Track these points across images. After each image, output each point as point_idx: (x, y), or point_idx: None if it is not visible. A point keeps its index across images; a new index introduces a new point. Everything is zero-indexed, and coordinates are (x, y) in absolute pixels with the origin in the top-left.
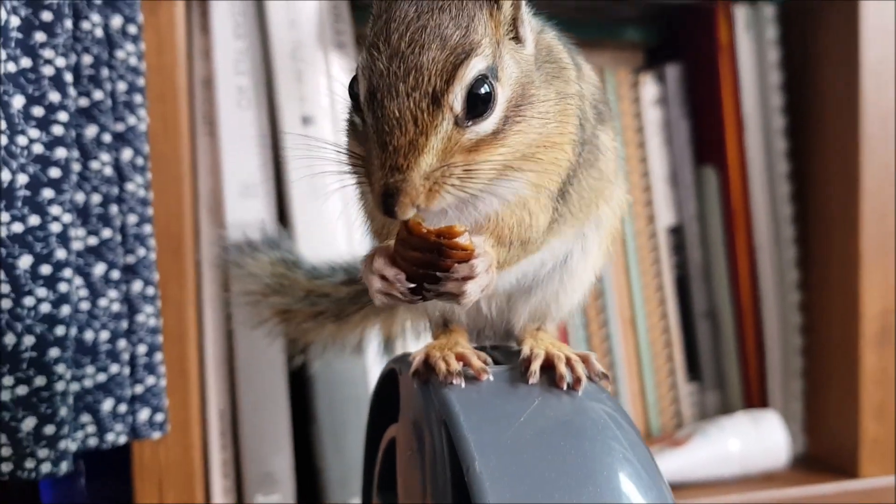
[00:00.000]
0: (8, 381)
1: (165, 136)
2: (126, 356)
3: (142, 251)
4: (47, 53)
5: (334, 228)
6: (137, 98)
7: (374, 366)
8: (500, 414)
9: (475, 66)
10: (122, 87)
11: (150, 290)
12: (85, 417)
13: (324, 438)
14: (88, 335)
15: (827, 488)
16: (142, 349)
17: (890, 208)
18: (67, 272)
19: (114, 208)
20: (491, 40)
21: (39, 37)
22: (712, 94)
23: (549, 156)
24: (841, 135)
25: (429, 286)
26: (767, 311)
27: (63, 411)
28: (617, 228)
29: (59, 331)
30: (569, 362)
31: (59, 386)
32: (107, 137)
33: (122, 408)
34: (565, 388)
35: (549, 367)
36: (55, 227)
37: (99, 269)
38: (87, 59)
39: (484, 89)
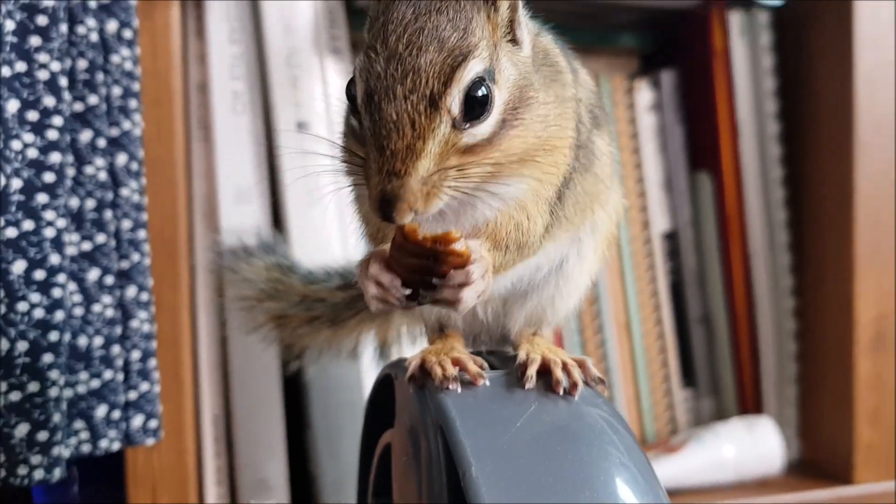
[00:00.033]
0: (1, 386)
1: (160, 140)
2: (120, 362)
3: (136, 256)
4: (42, 58)
5: (329, 233)
6: (132, 103)
7: (369, 371)
8: (496, 419)
9: (472, 69)
10: (117, 91)
11: (145, 296)
12: (78, 423)
13: (318, 444)
14: (82, 341)
15: (822, 494)
16: (136, 355)
17: (884, 214)
18: (61, 277)
19: (108, 213)
20: (488, 42)
21: (34, 41)
22: (707, 99)
23: (548, 159)
24: (835, 140)
25: (424, 293)
26: (762, 317)
27: (56, 417)
28: (613, 233)
29: (53, 336)
30: (565, 367)
31: (53, 392)
32: (101, 142)
33: (116, 414)
34: (562, 392)
35: (545, 371)
36: (49, 232)
37: (93, 274)
38: (82, 64)
39: (481, 92)
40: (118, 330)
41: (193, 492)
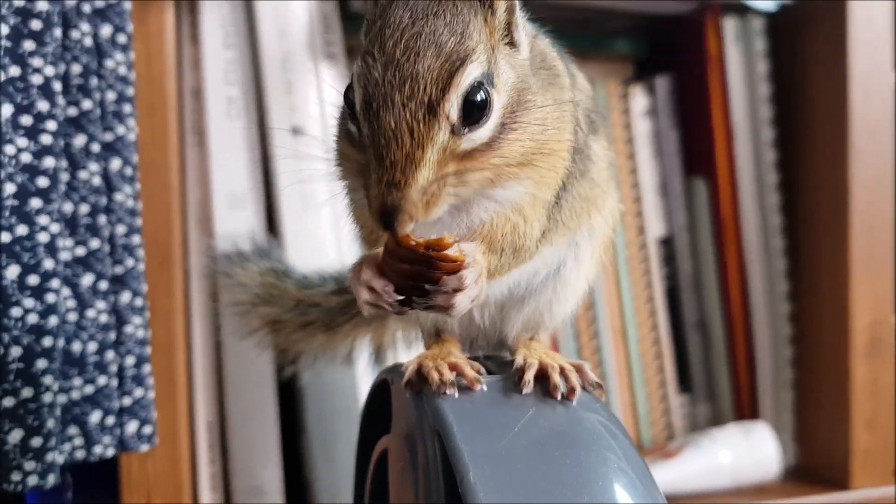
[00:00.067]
0: None
1: (154, 146)
2: (114, 368)
3: (130, 262)
4: (36, 62)
5: (324, 238)
6: (126, 108)
7: (363, 376)
8: (494, 424)
9: (470, 74)
10: (111, 96)
11: (139, 301)
12: (72, 430)
13: (313, 450)
14: (76, 346)
15: (818, 500)
16: (130, 361)
17: (879, 219)
18: (55, 283)
19: (102, 218)
20: (486, 46)
21: (28, 45)
22: (702, 105)
23: (546, 162)
24: (830, 146)
25: (417, 299)
26: (758, 323)
27: (50, 423)
28: (609, 237)
29: (47, 342)
30: (563, 372)
31: (47, 398)
32: (95, 147)
33: (110, 420)
34: (559, 398)
35: (542, 376)
36: (43, 237)
37: (87, 279)
38: (76, 69)
39: (480, 96)
40: (112, 335)
41: (188, 498)
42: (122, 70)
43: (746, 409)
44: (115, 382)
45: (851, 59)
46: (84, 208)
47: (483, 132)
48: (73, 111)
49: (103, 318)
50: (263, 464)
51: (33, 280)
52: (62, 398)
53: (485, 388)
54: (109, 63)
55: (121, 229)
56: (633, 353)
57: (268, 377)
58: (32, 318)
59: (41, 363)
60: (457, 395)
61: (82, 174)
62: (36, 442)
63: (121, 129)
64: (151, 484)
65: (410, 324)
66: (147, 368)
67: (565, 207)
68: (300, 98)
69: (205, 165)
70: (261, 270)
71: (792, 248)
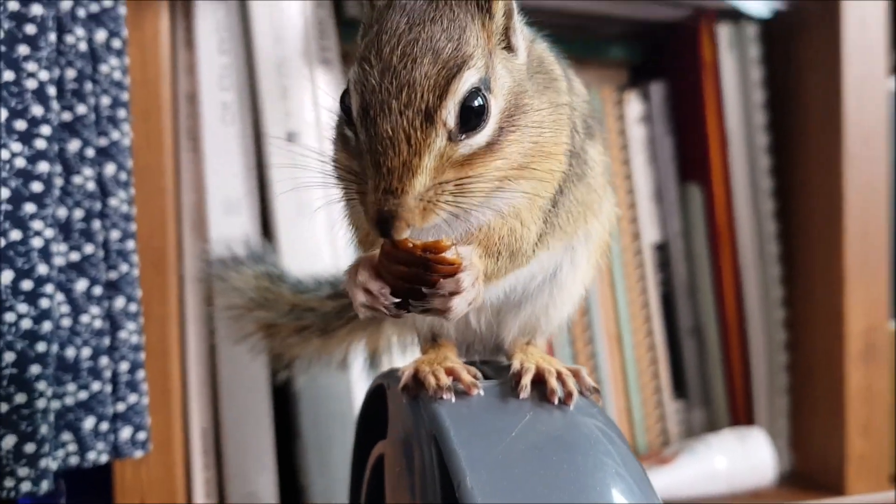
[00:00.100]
0: None
1: (149, 151)
2: (108, 373)
3: (124, 267)
4: (31, 67)
5: (319, 242)
6: (121, 113)
7: (359, 381)
8: (490, 429)
9: (468, 80)
10: (105, 101)
11: (133, 307)
12: (66, 436)
13: (308, 455)
14: (70, 352)
15: None
16: (124, 366)
17: (873, 225)
18: (49, 288)
19: (96, 223)
20: (483, 51)
21: (23, 50)
22: (696, 111)
23: (543, 166)
24: (824, 152)
25: (414, 302)
26: (752, 328)
27: (44, 429)
28: (606, 241)
29: (41, 347)
30: (560, 376)
31: (40, 403)
32: (90, 152)
33: (104, 426)
34: (556, 402)
35: (539, 381)
36: (37, 242)
37: (81, 285)
38: (70, 73)
39: (477, 102)
40: (106, 341)
41: None
42: (117, 75)
43: (742, 415)
44: (108, 388)
45: (845, 66)
46: (78, 213)
47: (480, 138)
48: (67, 116)
49: (97, 324)
50: (258, 469)
51: (27, 285)
52: (56, 404)
53: (482, 392)
54: (104, 68)
55: (115, 234)
56: (629, 359)
57: (262, 382)
58: (26, 324)
59: (35, 369)
60: (453, 399)
61: (76, 179)
62: (29, 448)
63: (115, 134)
64: (145, 490)
65: (406, 328)
66: (141, 374)
67: (562, 211)
68: (295, 103)
69: (199, 170)
70: (255, 275)
71: (786, 254)
